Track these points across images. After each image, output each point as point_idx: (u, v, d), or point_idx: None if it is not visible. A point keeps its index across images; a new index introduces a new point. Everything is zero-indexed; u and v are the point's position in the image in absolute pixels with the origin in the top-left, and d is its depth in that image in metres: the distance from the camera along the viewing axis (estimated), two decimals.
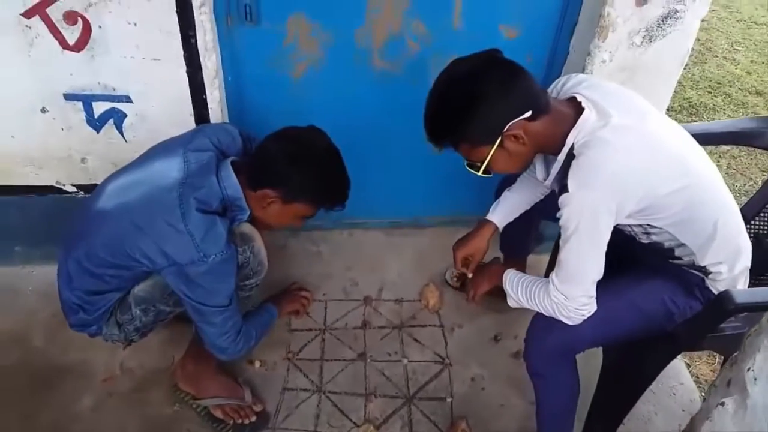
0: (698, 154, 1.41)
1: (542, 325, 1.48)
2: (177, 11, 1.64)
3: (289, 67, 1.95)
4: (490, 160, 1.37)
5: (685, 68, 2.60)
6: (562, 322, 1.41)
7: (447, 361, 2.01)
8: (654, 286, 1.47)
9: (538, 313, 1.48)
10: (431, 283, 2.22)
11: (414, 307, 2.19)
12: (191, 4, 1.64)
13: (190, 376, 1.79)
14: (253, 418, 1.77)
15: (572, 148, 1.33)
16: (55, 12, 1.62)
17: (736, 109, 3.83)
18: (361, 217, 2.42)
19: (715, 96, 3.95)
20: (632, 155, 1.27)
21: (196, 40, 1.70)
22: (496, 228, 1.74)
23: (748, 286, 1.45)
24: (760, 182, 2.96)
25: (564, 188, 1.30)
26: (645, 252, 1.48)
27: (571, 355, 1.52)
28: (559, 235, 1.80)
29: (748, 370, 0.94)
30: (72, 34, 1.66)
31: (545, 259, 2.17)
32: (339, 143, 2.05)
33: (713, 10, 5.07)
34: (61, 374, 1.88)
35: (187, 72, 1.77)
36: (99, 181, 1.94)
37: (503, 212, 1.74)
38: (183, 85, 1.80)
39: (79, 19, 1.63)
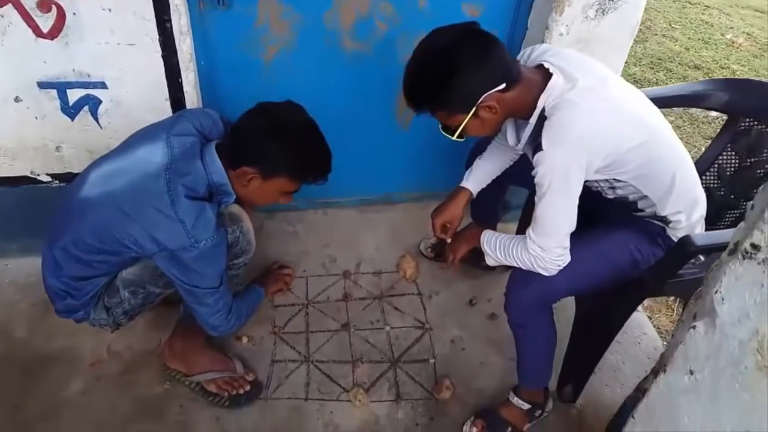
0: (655, 114, 1.53)
1: (520, 278, 1.58)
2: None
3: (260, 50, 2.00)
4: (464, 126, 1.46)
5: None
6: (538, 275, 1.52)
7: (427, 326, 2.10)
8: (621, 237, 1.59)
9: (515, 268, 1.58)
10: (407, 254, 2.31)
11: (392, 278, 2.27)
12: None
13: (179, 354, 1.83)
14: (248, 388, 1.82)
15: (543, 110, 1.43)
16: (28, 0, 1.61)
17: (678, 83, 4.04)
18: (335, 197, 2.48)
19: (657, 71, 4.16)
20: (597, 115, 1.38)
21: (171, 24, 1.73)
22: (471, 194, 1.83)
23: None
24: (703, 149, 3.16)
25: (538, 148, 1.40)
26: (611, 206, 1.60)
27: (548, 305, 1.63)
28: (528, 199, 1.92)
29: (716, 292, 1.05)
30: (46, 22, 1.66)
31: (513, 227, 2.28)
32: None
33: None
34: (47, 362, 1.88)
35: (163, 56, 1.79)
36: (74, 170, 1.97)
37: (476, 179, 1.83)
38: (158, 70, 1.82)
39: (53, 6, 1.63)
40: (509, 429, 1.76)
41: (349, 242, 2.39)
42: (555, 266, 1.48)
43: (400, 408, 1.86)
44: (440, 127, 1.53)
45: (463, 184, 1.84)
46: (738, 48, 4.59)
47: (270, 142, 1.51)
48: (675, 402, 1.21)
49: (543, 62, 1.47)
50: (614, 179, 1.49)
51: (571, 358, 1.86)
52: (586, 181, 1.44)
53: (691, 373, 1.15)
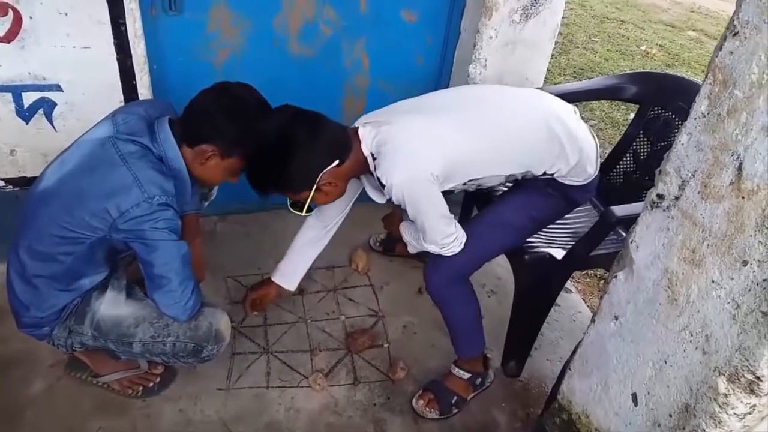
0: (489, 105, 1.69)
1: (431, 263, 1.76)
2: (107, 0, 1.74)
3: (211, 55, 2.09)
4: (310, 201, 1.59)
5: (552, 58, 3.00)
6: (444, 258, 1.68)
7: (380, 314, 2.22)
8: (514, 202, 1.77)
9: (426, 253, 1.73)
10: (358, 248, 2.43)
11: (345, 271, 2.39)
12: None
13: (88, 353, 1.78)
14: (157, 380, 1.85)
15: (372, 156, 1.57)
16: None
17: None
18: (284, 199, 2.56)
19: (579, 80, 4.46)
20: (411, 139, 1.54)
21: (126, 28, 1.80)
22: None
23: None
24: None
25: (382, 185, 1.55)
26: (493, 189, 1.79)
27: (462, 279, 1.78)
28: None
29: (632, 242, 1.22)
30: (2, 26, 1.70)
31: None
32: None
33: (571, 9, 5.71)
34: (6, 365, 1.88)
35: (117, 59, 1.86)
36: (28, 174, 1.99)
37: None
38: (113, 72, 1.88)
39: (10, 10, 1.67)
40: (454, 398, 1.89)
41: None
42: (455, 248, 1.65)
43: (358, 390, 1.95)
44: (289, 204, 1.65)
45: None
46: (652, 58, 4.98)
47: (232, 121, 1.52)
48: (604, 347, 1.37)
49: (356, 125, 1.62)
50: (469, 181, 1.65)
51: (512, 333, 2.01)
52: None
53: (616, 318, 1.32)
